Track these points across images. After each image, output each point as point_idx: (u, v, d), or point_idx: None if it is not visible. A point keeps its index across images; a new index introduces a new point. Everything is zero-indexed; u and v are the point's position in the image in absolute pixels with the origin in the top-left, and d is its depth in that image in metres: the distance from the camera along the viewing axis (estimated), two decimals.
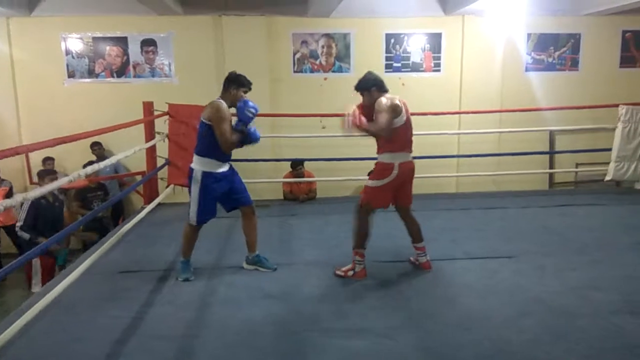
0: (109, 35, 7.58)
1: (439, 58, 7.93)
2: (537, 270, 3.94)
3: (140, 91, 7.29)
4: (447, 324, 3.14)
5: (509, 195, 6.76)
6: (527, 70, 8.07)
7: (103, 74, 7.64)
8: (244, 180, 4.06)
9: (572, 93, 7.85)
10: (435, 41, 7.88)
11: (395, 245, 4.46)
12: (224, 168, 3.84)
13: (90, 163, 6.52)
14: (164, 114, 5.98)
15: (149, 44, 7.63)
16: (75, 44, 7.55)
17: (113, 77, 7.66)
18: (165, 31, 7.60)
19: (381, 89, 3.82)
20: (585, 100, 7.32)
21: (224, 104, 3.71)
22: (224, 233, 4.97)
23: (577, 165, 7.99)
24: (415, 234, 4.00)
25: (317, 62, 7.83)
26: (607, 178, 6.58)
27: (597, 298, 3.43)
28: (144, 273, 4.03)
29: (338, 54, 7.82)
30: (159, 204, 5.90)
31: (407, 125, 3.81)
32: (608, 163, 6.54)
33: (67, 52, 7.56)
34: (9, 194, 6.70)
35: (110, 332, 3.05)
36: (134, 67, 7.66)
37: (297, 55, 7.80)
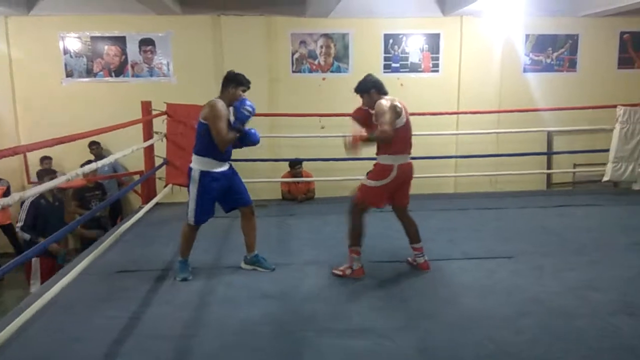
0: (107, 34, 7.57)
1: (437, 58, 7.94)
2: (535, 271, 3.94)
3: (138, 91, 7.27)
4: (446, 324, 3.14)
5: (507, 195, 6.77)
6: (525, 71, 8.08)
7: (101, 73, 7.63)
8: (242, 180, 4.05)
9: (570, 94, 7.86)
10: (434, 42, 7.89)
11: (393, 245, 4.46)
12: (223, 168, 3.84)
13: (88, 162, 6.51)
14: (162, 113, 5.97)
15: (147, 44, 7.62)
16: (73, 43, 7.54)
17: (111, 76, 7.65)
18: (164, 31, 7.59)
19: (380, 91, 3.83)
20: (583, 101, 7.33)
21: (220, 103, 3.70)
22: (222, 233, 4.97)
23: (574, 165, 8.01)
24: (413, 235, 4.00)
25: (316, 62, 7.83)
26: (605, 179, 6.59)
27: (595, 298, 3.44)
28: (141, 273, 4.02)
29: (336, 54, 7.82)
30: (157, 204, 5.88)
31: (407, 126, 3.82)
32: (606, 164, 6.54)
33: (65, 52, 7.54)
34: (6, 194, 6.69)
35: (108, 332, 3.04)
36: (132, 67, 7.65)
37: (296, 55, 7.79)
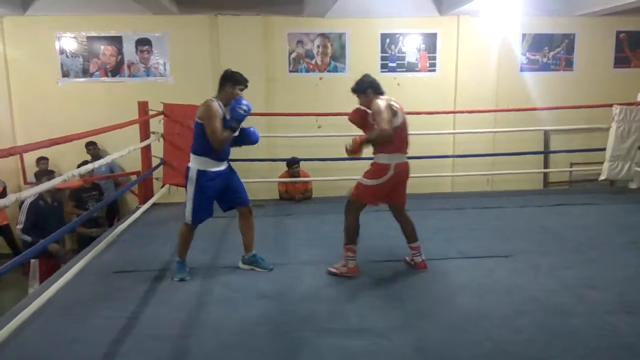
0: (103, 34, 7.56)
1: (434, 58, 7.95)
2: (532, 270, 3.95)
3: (135, 91, 7.26)
4: (443, 323, 3.14)
5: (504, 194, 6.78)
6: (521, 70, 8.10)
7: (97, 73, 7.62)
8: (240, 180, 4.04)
9: (567, 93, 7.88)
10: (431, 41, 7.90)
11: (390, 244, 4.47)
12: (220, 167, 3.83)
13: (85, 163, 6.50)
14: (159, 113, 5.96)
15: (143, 44, 7.61)
16: (69, 43, 7.52)
17: (107, 76, 7.64)
18: (161, 30, 7.58)
19: (377, 91, 3.84)
20: (580, 100, 7.34)
21: (215, 103, 3.68)
22: (220, 233, 4.96)
23: (571, 164, 8.04)
24: (410, 234, 4.01)
25: (313, 61, 7.83)
26: (602, 177, 6.60)
27: (592, 297, 3.45)
28: (138, 273, 4.01)
29: (333, 53, 7.83)
30: (154, 204, 5.88)
31: (403, 126, 3.82)
32: (602, 162, 6.56)
33: (62, 52, 7.53)
34: (2, 194, 6.67)
35: (106, 332, 3.04)
36: (129, 67, 7.63)
37: (293, 55, 7.79)
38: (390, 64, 7.92)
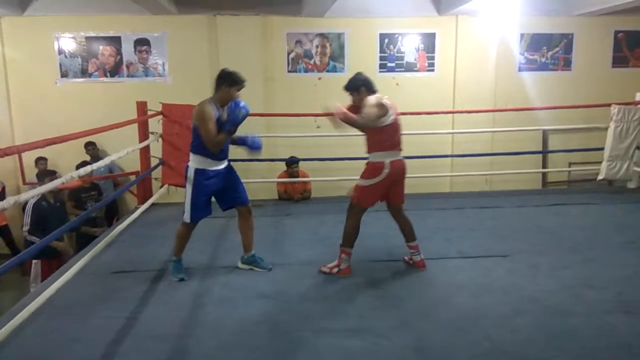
0: (102, 34, 7.56)
1: (432, 58, 7.96)
2: (531, 269, 3.96)
3: (133, 91, 7.26)
4: (442, 323, 3.14)
5: (503, 194, 6.79)
6: (520, 70, 8.11)
7: (96, 73, 7.61)
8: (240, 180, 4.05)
9: (565, 93, 7.90)
10: (429, 41, 7.91)
11: (389, 244, 4.48)
12: (219, 166, 3.83)
13: (84, 163, 6.49)
14: (158, 113, 5.96)
15: (142, 44, 7.61)
16: (68, 43, 7.52)
17: (106, 76, 7.64)
18: (159, 30, 7.58)
19: (370, 89, 3.84)
20: (578, 100, 7.36)
21: (208, 105, 3.65)
22: (218, 233, 4.96)
23: (570, 164, 8.04)
24: (408, 233, 4.01)
25: (312, 61, 7.83)
26: (600, 177, 6.61)
27: (590, 297, 3.45)
28: (137, 273, 4.01)
29: (332, 53, 7.83)
30: (153, 204, 5.88)
31: (396, 124, 3.82)
32: (601, 162, 6.57)
33: (60, 52, 7.52)
34: (1, 195, 6.67)
35: (105, 332, 3.04)
36: (128, 67, 7.63)
37: (292, 55, 7.80)
38: (389, 64, 7.93)
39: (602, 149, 6.54)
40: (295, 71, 7.83)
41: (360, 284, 3.76)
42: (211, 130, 3.62)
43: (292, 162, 6.63)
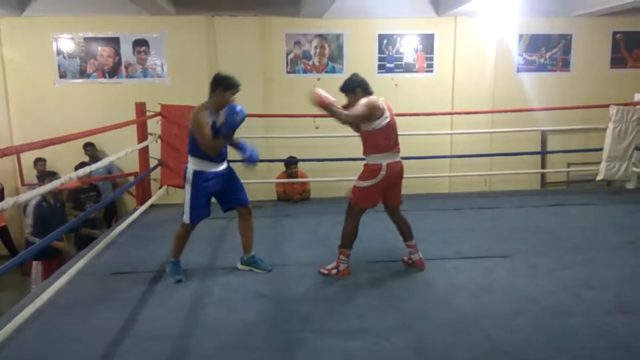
0: (100, 35, 7.55)
1: (431, 59, 7.97)
2: (530, 270, 3.96)
3: (132, 92, 7.26)
4: (442, 323, 3.14)
5: (502, 195, 6.80)
6: (518, 70, 8.13)
7: (95, 74, 7.61)
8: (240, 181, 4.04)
9: (564, 93, 7.91)
10: (428, 42, 7.92)
11: (388, 245, 4.47)
12: (217, 168, 3.83)
13: (83, 164, 6.48)
14: (157, 114, 5.96)
15: (141, 44, 7.61)
16: (66, 44, 7.51)
17: (105, 77, 7.64)
18: (158, 31, 7.58)
19: (366, 90, 3.83)
20: (577, 101, 7.37)
21: (201, 112, 3.64)
22: (218, 234, 4.96)
23: (568, 165, 8.06)
24: (406, 233, 4.02)
25: (310, 62, 7.84)
26: (599, 178, 6.62)
27: (589, 297, 3.46)
28: (136, 274, 4.01)
29: (331, 54, 7.84)
30: (152, 205, 5.87)
31: (392, 126, 3.81)
32: (599, 163, 6.57)
33: (59, 53, 7.52)
34: (0, 196, 6.66)
35: (104, 333, 3.04)
36: (126, 68, 7.63)
37: (290, 56, 7.80)
38: (388, 65, 7.94)
39: (601, 149, 6.54)
40: (294, 72, 7.84)
41: (359, 284, 3.76)
42: (207, 136, 3.62)
43: (291, 163, 6.63)
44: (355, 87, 3.83)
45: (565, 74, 8.21)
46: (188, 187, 3.78)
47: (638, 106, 6.44)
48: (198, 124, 3.61)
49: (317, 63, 7.84)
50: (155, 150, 6.11)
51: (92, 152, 7.25)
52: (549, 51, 8.13)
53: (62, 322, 3.23)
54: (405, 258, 4.12)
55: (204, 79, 7.07)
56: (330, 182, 6.95)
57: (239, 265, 4.07)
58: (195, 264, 4.13)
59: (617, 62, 8.27)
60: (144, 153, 6.02)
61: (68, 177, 3.62)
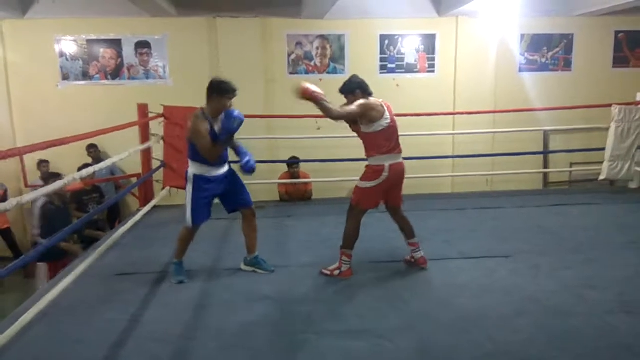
0: (103, 37, 7.58)
1: (433, 59, 7.97)
2: (532, 270, 3.96)
3: (134, 93, 7.27)
4: (444, 324, 3.15)
5: (504, 195, 6.79)
6: (520, 70, 8.12)
7: (97, 76, 7.63)
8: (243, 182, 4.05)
9: (566, 93, 7.90)
10: (430, 42, 7.92)
11: (390, 246, 4.48)
12: (218, 171, 3.84)
13: (86, 166, 6.50)
14: (159, 116, 5.97)
15: (143, 46, 7.63)
16: (69, 46, 7.54)
17: (107, 79, 7.66)
18: (160, 33, 7.60)
19: (365, 91, 3.83)
20: (579, 101, 7.36)
21: (198, 119, 3.65)
22: (221, 235, 4.97)
23: (571, 164, 8.05)
24: (409, 231, 4.02)
25: (312, 63, 7.85)
26: (601, 177, 6.61)
27: (592, 297, 3.46)
28: (140, 275, 4.02)
29: (333, 55, 7.84)
30: (155, 207, 5.89)
31: (392, 127, 3.81)
32: (602, 162, 6.57)
33: (61, 55, 7.54)
34: (3, 197, 6.68)
35: (108, 335, 3.05)
36: (128, 69, 7.65)
37: (292, 57, 7.81)
38: (390, 65, 7.95)
39: (604, 149, 6.54)
40: (295, 73, 7.84)
41: (362, 285, 3.77)
42: (205, 144, 3.64)
43: (293, 163, 6.64)
44: (354, 88, 3.83)
45: (567, 73, 8.20)
46: (189, 190, 3.80)
47: None
48: (196, 133, 3.64)
49: (318, 64, 7.85)
50: (158, 152, 6.13)
51: (95, 154, 7.27)
52: (550, 51, 8.12)
53: (65, 324, 3.24)
54: (407, 257, 4.12)
55: (205, 81, 7.03)
56: (332, 182, 6.95)
57: (243, 266, 4.08)
58: (199, 264, 4.14)
59: (619, 61, 8.26)
60: (146, 154, 6.03)
61: (72, 177, 3.64)
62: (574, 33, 8.10)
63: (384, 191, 3.83)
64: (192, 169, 3.79)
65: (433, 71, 7.99)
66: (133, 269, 4.16)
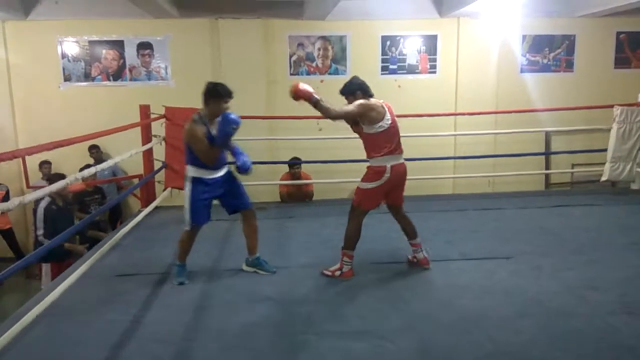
0: (105, 38, 7.59)
1: (434, 60, 7.97)
2: (534, 271, 3.95)
3: (136, 94, 7.28)
4: (445, 325, 3.14)
5: (506, 196, 6.78)
6: (522, 71, 8.12)
7: (99, 77, 7.65)
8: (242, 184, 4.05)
9: (567, 94, 7.89)
10: (431, 43, 7.92)
11: (391, 247, 4.47)
12: (216, 174, 3.85)
13: (88, 166, 6.50)
14: (161, 117, 5.98)
15: (145, 47, 7.64)
16: (71, 47, 7.55)
17: (109, 80, 7.67)
18: (162, 34, 7.61)
19: (366, 93, 3.83)
20: (580, 101, 7.35)
21: (195, 125, 3.66)
22: (223, 236, 4.97)
23: (573, 165, 8.04)
24: (411, 231, 4.02)
25: (314, 64, 7.85)
26: (603, 178, 6.60)
27: (593, 298, 3.45)
28: (141, 276, 4.02)
29: (334, 56, 7.85)
30: (156, 207, 5.90)
31: (393, 128, 3.81)
32: (604, 164, 6.56)
33: (63, 56, 7.56)
34: (5, 198, 6.70)
35: (109, 336, 3.05)
36: (131, 71, 7.66)
37: (294, 58, 7.81)
38: (391, 66, 7.95)
39: (605, 150, 6.53)
40: (297, 74, 7.84)
41: (363, 286, 3.76)
42: (202, 148, 3.67)
43: (294, 163, 6.65)
44: (355, 89, 3.83)
45: (568, 74, 8.19)
46: (187, 193, 3.80)
47: None
48: (192, 138, 3.67)
49: (320, 65, 7.85)
50: (160, 153, 6.13)
51: (97, 155, 7.28)
52: (552, 52, 8.11)
53: (66, 324, 3.24)
54: (409, 257, 4.12)
55: (207, 82, 7.18)
56: (333, 183, 6.95)
57: (244, 267, 4.08)
58: (200, 265, 4.14)
59: (621, 62, 8.25)
60: (148, 155, 6.04)
61: (73, 177, 3.65)
62: (575, 34, 8.09)
63: (385, 192, 3.84)
64: (190, 171, 3.81)
65: (434, 72, 7.99)
66: (134, 270, 4.16)
